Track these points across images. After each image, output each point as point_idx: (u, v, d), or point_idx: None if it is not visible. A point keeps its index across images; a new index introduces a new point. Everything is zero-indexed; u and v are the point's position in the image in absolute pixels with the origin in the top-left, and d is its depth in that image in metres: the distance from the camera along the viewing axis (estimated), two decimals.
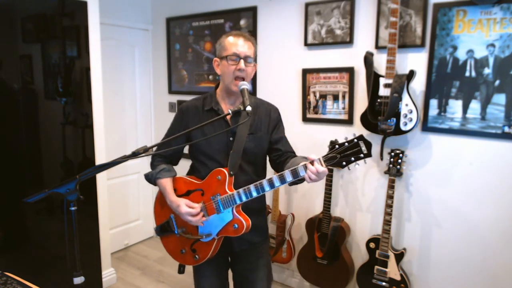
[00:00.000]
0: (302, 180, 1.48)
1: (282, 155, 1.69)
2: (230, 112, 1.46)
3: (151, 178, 1.73)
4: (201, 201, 1.63)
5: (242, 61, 1.57)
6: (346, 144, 1.37)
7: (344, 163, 1.39)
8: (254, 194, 1.52)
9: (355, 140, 1.36)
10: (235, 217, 1.58)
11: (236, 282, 1.85)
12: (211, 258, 1.68)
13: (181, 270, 1.82)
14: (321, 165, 1.38)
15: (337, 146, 1.40)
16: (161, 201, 1.78)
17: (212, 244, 1.64)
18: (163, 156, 1.76)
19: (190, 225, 1.66)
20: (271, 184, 1.49)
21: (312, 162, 1.39)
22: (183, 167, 1.87)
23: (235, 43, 1.59)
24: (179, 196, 1.68)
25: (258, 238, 1.76)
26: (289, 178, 1.45)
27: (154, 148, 1.50)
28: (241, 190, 1.54)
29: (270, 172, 1.70)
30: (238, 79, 1.58)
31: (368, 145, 1.36)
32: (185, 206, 1.60)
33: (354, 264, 2.66)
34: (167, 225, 1.75)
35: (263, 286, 1.78)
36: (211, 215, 1.61)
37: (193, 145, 1.70)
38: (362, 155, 1.36)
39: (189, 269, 1.87)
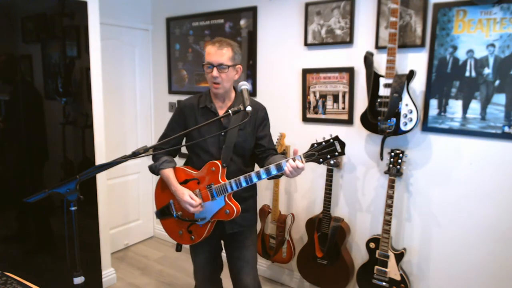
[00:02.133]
0: (281, 175, 1.72)
1: (265, 151, 1.92)
2: (230, 112, 1.58)
3: (154, 169, 1.95)
4: (197, 188, 1.84)
5: (215, 69, 1.76)
6: (323, 143, 1.60)
7: (321, 159, 1.60)
8: (244, 184, 1.73)
9: (331, 140, 1.59)
10: (226, 203, 1.79)
11: (228, 259, 2.06)
12: (206, 239, 1.90)
13: (178, 248, 2.02)
14: (301, 161, 1.60)
15: (315, 145, 1.62)
16: (161, 188, 1.99)
17: (206, 227, 1.87)
18: (163, 149, 1.98)
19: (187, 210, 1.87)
20: (258, 176, 1.70)
21: (293, 159, 1.61)
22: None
23: (209, 52, 1.77)
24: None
25: (247, 222, 1.98)
26: (274, 171, 1.66)
27: (154, 143, 1.61)
28: (232, 180, 1.75)
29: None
30: (215, 84, 1.79)
31: (342, 144, 1.58)
32: (188, 197, 1.80)
33: (354, 264, 2.66)
34: (167, 209, 1.95)
35: (250, 261, 2.00)
36: (206, 202, 1.82)
37: (190, 139, 1.93)
38: (336, 153, 1.58)
39: (188, 267, 1.88)
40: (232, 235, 1.97)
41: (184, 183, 1.88)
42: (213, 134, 1.80)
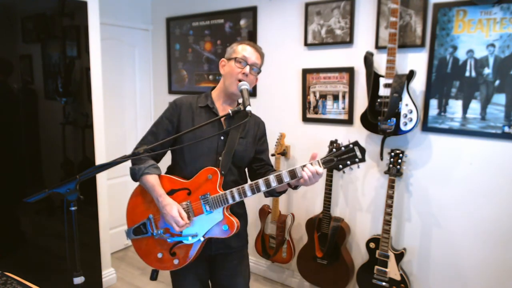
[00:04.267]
0: (285, 190, 1.64)
1: (264, 166, 1.76)
2: (230, 112, 1.47)
3: (137, 173, 1.60)
4: (187, 200, 1.57)
5: (248, 67, 1.62)
6: (343, 148, 1.50)
7: (340, 166, 1.50)
8: (249, 194, 1.51)
9: (351, 145, 1.48)
10: (225, 217, 1.54)
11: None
12: (191, 262, 1.60)
13: (153, 276, 1.69)
14: (320, 166, 1.49)
15: (334, 149, 1.52)
16: (137, 200, 1.67)
17: (196, 247, 1.57)
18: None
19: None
20: (267, 184, 1.50)
21: (312, 163, 1.49)
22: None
23: (246, 49, 1.65)
24: None
25: (237, 243, 1.73)
26: (286, 178, 1.50)
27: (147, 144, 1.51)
28: (234, 189, 1.51)
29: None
30: (241, 81, 1.60)
31: (362, 151, 1.48)
32: (176, 212, 1.51)
33: (354, 264, 2.66)
34: (143, 227, 1.64)
35: None
36: (197, 216, 1.56)
37: (181, 142, 1.64)
38: (356, 159, 1.48)
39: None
40: (219, 258, 1.72)
41: (170, 194, 1.59)
42: (210, 135, 1.55)
